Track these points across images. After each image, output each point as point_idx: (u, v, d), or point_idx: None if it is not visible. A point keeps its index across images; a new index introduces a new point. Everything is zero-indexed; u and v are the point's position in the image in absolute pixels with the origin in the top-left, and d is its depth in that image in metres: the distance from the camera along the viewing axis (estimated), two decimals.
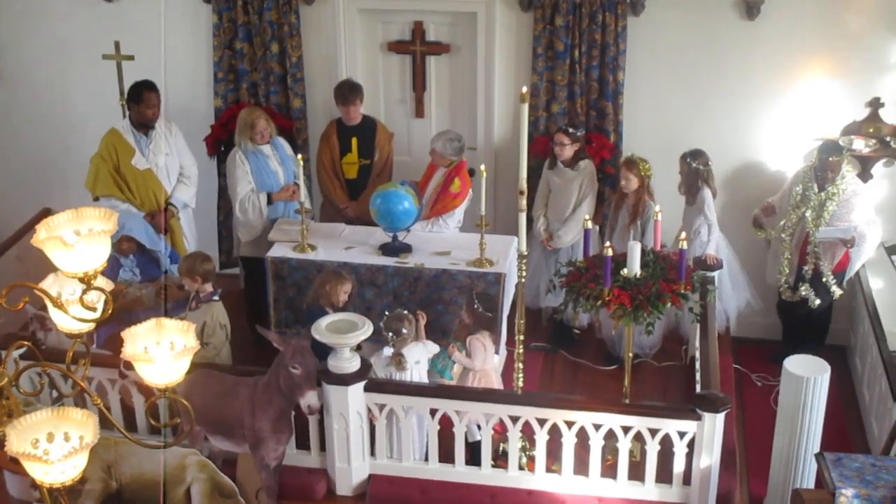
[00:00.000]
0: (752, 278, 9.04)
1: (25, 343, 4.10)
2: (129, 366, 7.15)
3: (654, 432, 7.00)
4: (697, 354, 7.94)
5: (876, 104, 8.75)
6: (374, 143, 9.07)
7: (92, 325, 3.66)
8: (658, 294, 7.04)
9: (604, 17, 8.78)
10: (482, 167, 7.98)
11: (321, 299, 7.77)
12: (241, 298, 9.32)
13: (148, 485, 6.80)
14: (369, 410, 7.28)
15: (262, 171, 8.82)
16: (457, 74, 9.57)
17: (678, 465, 7.07)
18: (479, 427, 7.36)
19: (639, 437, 7.10)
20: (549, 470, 7.31)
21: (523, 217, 6.91)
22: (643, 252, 7.27)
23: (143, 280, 8.52)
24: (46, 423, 3.40)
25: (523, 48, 9.17)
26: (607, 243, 7.14)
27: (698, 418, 6.86)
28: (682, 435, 6.97)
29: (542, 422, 7.11)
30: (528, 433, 7.29)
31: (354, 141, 9.04)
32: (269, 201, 8.86)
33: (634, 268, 7.16)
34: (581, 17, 8.82)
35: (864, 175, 8.85)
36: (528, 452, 7.49)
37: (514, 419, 7.15)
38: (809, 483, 7.16)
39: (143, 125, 8.84)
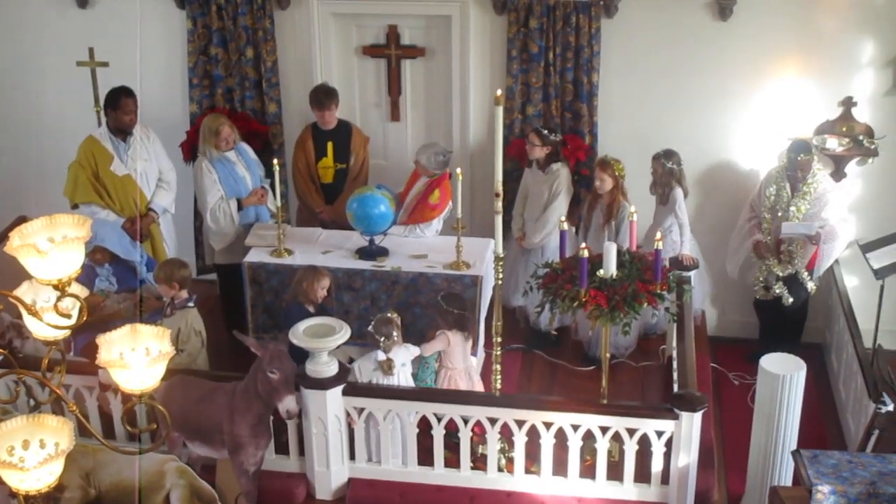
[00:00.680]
0: (725, 275, 9.12)
1: (1, 351, 4.09)
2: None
3: (631, 432, 7.03)
4: (675, 354, 7.97)
5: (849, 103, 8.80)
6: (350, 147, 9.07)
7: (67, 332, 3.65)
8: (634, 294, 7.07)
9: (577, 20, 8.82)
10: (458, 170, 8.00)
11: (299, 297, 7.78)
12: (218, 304, 9.30)
13: (127, 492, 6.77)
14: (348, 414, 7.28)
15: (230, 178, 8.82)
16: (432, 78, 9.58)
17: (656, 465, 7.10)
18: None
19: (617, 438, 7.12)
20: (528, 471, 7.33)
21: (499, 219, 6.93)
22: (619, 252, 7.30)
23: (121, 289, 8.48)
24: (22, 431, 3.39)
25: (498, 51, 9.19)
26: (583, 244, 7.16)
27: (676, 418, 6.90)
28: (659, 434, 7.00)
29: (520, 423, 7.13)
30: (506, 435, 7.30)
31: (330, 145, 9.03)
32: (240, 207, 8.86)
33: (611, 268, 7.18)
34: (555, 19, 8.85)
35: (838, 174, 8.91)
36: (506, 454, 7.50)
37: (493, 421, 7.17)
38: (787, 480, 7.20)
39: (121, 131, 8.82)
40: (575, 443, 7.11)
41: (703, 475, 7.17)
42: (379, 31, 9.47)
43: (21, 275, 3.55)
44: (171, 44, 9.64)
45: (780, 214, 8.56)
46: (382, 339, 7.32)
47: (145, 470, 6.81)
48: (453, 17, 9.18)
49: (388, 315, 7.48)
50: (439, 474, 7.42)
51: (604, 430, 7.07)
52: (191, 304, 7.77)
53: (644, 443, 7.06)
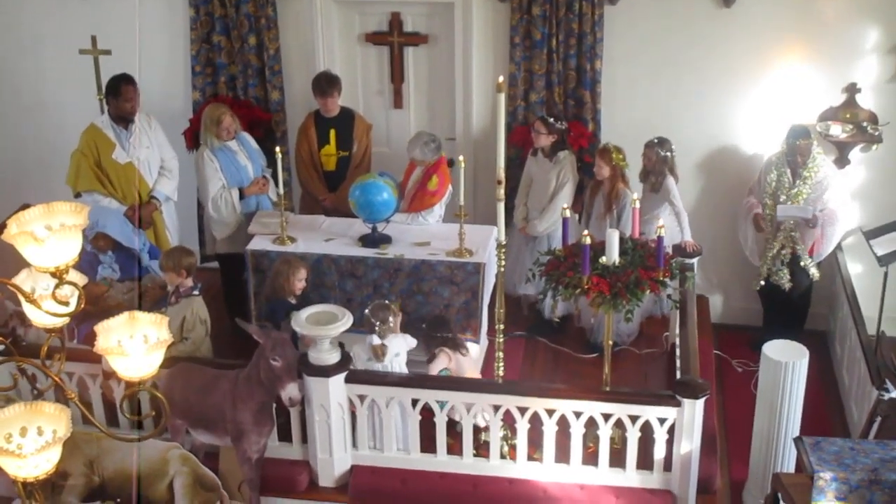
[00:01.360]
0: (729, 262, 9.11)
1: (1, 340, 4.09)
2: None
3: (634, 419, 7.02)
4: (678, 341, 7.97)
5: (852, 90, 8.79)
6: (353, 134, 9.06)
7: (66, 320, 3.65)
8: (637, 282, 7.06)
9: (580, 6, 8.80)
10: (461, 157, 7.98)
11: (280, 292, 7.80)
12: (221, 292, 9.31)
13: (131, 479, 6.80)
14: (350, 402, 7.29)
15: (232, 167, 8.82)
16: (435, 65, 9.57)
17: (659, 452, 7.09)
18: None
19: (619, 425, 7.12)
20: (530, 458, 7.33)
21: (502, 206, 6.94)
22: (622, 240, 7.29)
23: (124, 276, 8.49)
24: (19, 418, 3.40)
25: (500, 38, 9.18)
26: (585, 231, 7.15)
27: (678, 405, 6.88)
28: (662, 421, 6.98)
29: (522, 410, 7.12)
30: (509, 422, 7.30)
31: (332, 133, 9.03)
32: (241, 196, 8.87)
33: (613, 256, 7.17)
34: (558, 6, 8.83)
35: (842, 161, 8.90)
36: (509, 441, 7.51)
37: (496, 408, 7.17)
38: (789, 467, 7.21)
39: (123, 119, 8.82)
40: (577, 430, 7.10)
41: (705, 462, 7.15)
42: (382, 19, 9.46)
43: (24, 262, 3.55)
44: (173, 32, 9.64)
45: (781, 200, 8.55)
46: (378, 323, 7.33)
47: (149, 457, 6.83)
48: (456, 4, 9.17)
49: (387, 302, 7.49)
50: (441, 461, 7.42)
51: (606, 417, 7.06)
52: (196, 292, 7.77)
53: (646, 430, 7.05)
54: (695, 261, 8.51)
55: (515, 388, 7.36)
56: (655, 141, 8.59)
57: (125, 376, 3.64)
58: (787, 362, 6.93)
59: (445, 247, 8.20)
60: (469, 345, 7.92)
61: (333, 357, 7.10)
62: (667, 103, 9.09)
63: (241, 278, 8.49)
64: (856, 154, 8.94)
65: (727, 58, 8.90)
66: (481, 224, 8.57)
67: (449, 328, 7.85)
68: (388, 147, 9.73)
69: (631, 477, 7.22)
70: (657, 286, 7.16)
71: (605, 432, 7.11)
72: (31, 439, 3.40)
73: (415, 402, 7.25)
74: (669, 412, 6.95)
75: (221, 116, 8.77)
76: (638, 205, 7.60)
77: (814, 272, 8.73)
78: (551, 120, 8.73)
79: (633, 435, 7.06)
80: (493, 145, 6.91)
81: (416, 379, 7.44)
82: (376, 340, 7.35)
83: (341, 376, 7.15)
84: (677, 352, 7.91)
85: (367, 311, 7.42)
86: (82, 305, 3.54)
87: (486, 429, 7.37)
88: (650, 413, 6.99)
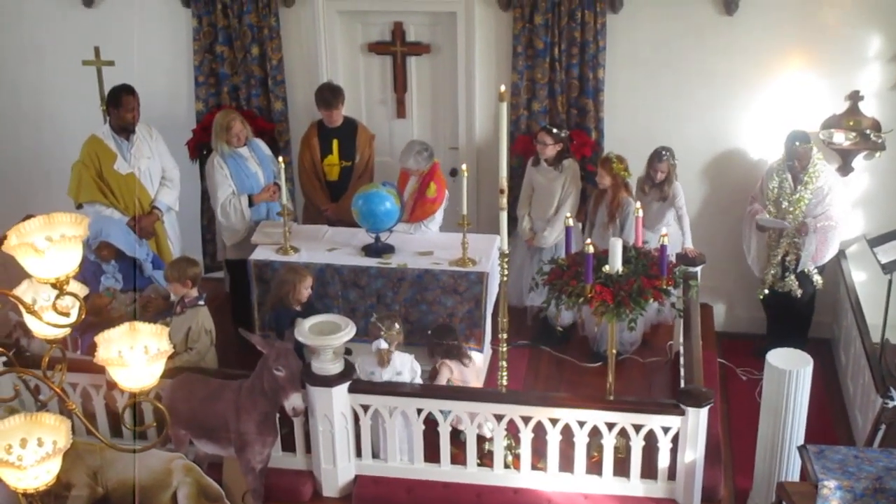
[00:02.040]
0: (734, 268, 9.09)
1: (3, 351, 4.10)
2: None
3: (638, 428, 7.02)
4: (681, 350, 7.95)
5: (855, 97, 8.78)
6: (355, 144, 9.07)
7: (67, 331, 3.65)
8: (640, 290, 7.05)
9: (583, 15, 8.80)
10: (464, 167, 7.98)
11: (285, 301, 7.79)
12: (226, 302, 9.33)
13: (134, 490, 6.79)
14: (353, 412, 7.28)
15: (242, 173, 8.82)
16: (437, 74, 9.58)
17: (663, 461, 7.09)
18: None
19: (623, 434, 7.11)
20: (534, 468, 7.32)
21: (504, 215, 6.94)
22: (625, 248, 7.28)
23: (127, 286, 8.49)
24: (19, 429, 3.40)
25: (503, 47, 9.18)
26: (588, 240, 7.14)
27: (682, 413, 6.88)
28: (666, 430, 6.98)
29: (526, 419, 7.12)
30: (512, 431, 7.29)
31: (335, 143, 9.03)
32: (251, 203, 8.87)
33: (616, 264, 7.16)
34: (560, 15, 8.84)
35: (845, 169, 8.89)
36: (513, 450, 7.49)
37: (499, 417, 7.16)
38: (794, 476, 7.18)
39: (124, 129, 8.83)
40: (581, 439, 7.10)
41: (709, 471, 7.15)
42: (384, 28, 9.47)
43: (25, 273, 3.55)
44: (176, 42, 9.65)
45: (784, 206, 8.54)
46: (384, 329, 7.31)
47: (152, 468, 6.83)
48: (458, 13, 9.17)
49: (391, 312, 7.50)
50: (445, 471, 7.41)
51: (610, 426, 7.05)
52: (201, 302, 7.76)
53: (650, 439, 7.04)
54: (698, 269, 8.51)
55: (519, 397, 7.36)
56: (664, 154, 8.52)
57: (126, 387, 3.64)
58: (791, 370, 6.91)
59: (448, 256, 8.20)
60: (473, 354, 7.92)
61: (336, 367, 7.10)
62: (669, 111, 9.09)
63: (249, 286, 8.47)
64: (859, 162, 8.93)
65: (730, 66, 8.89)
66: (484, 233, 8.56)
67: (455, 335, 7.85)
68: (390, 157, 9.71)
69: (635, 486, 7.21)
70: (660, 295, 7.15)
71: (608, 441, 7.10)
72: (31, 450, 3.40)
73: (418, 412, 7.25)
74: (673, 421, 6.94)
75: (231, 123, 8.78)
76: (641, 213, 7.59)
77: (817, 279, 8.72)
78: (555, 130, 8.72)
79: (636, 444, 7.06)
80: (496, 154, 6.92)
81: (419, 389, 7.43)
82: (383, 345, 7.33)
83: (344, 386, 7.15)
84: (681, 360, 7.90)
85: (373, 318, 7.42)
86: (83, 316, 3.54)
87: (491, 439, 7.36)
88: (654, 422, 6.98)
